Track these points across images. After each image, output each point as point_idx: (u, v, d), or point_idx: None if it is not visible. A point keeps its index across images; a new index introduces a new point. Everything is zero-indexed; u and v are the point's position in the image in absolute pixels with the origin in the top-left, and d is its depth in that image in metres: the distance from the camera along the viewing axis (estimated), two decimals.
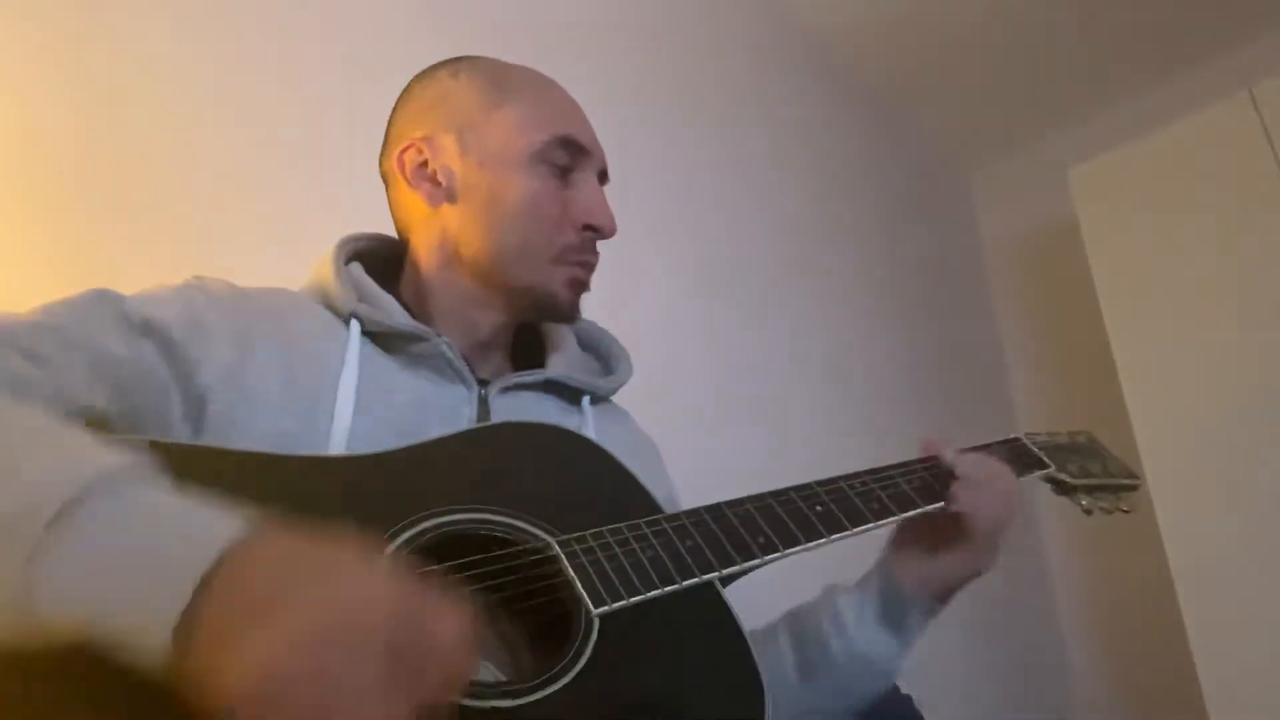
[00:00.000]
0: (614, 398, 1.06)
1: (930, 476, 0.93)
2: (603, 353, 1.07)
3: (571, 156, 0.93)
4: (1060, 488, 1.00)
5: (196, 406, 0.75)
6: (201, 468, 0.61)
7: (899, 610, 0.90)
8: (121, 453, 0.54)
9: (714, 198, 2.30)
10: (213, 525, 0.51)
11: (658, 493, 0.85)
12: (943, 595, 0.91)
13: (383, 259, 0.98)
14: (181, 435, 0.74)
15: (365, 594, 0.48)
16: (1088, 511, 0.99)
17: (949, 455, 0.93)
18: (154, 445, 0.65)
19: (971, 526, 0.89)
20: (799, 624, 0.94)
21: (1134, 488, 1.03)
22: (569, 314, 0.95)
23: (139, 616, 0.47)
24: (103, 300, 0.75)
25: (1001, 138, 3.31)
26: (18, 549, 0.48)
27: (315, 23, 1.58)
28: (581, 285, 0.94)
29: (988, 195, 3.46)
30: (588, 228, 0.92)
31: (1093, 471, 1.01)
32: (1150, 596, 2.30)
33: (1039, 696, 2.67)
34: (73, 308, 0.73)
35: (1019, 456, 0.99)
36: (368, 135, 1.32)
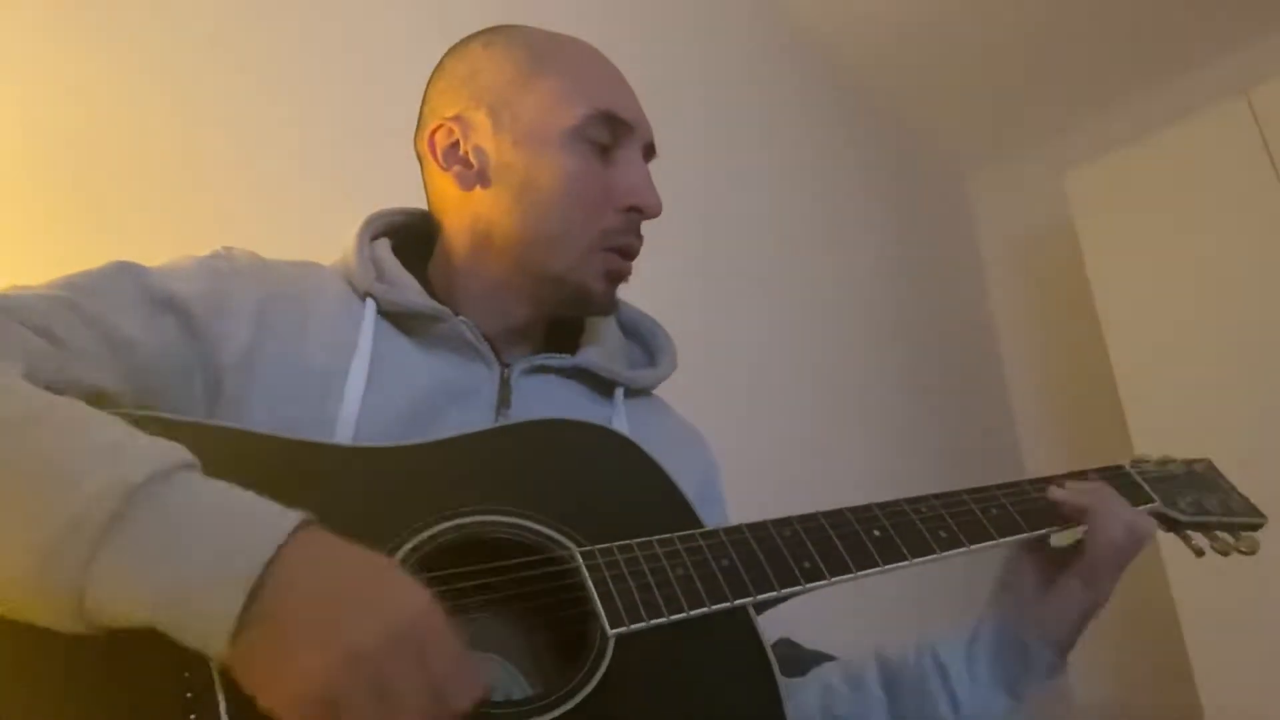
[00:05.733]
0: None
1: (1011, 505, 0.83)
2: (648, 344, 1.00)
3: (613, 133, 0.86)
4: (1169, 525, 0.88)
5: (214, 386, 0.73)
6: (217, 449, 0.60)
7: (1015, 664, 0.82)
8: (167, 444, 0.57)
9: (708, 199, 2.27)
10: (266, 522, 0.54)
11: (688, 485, 0.80)
12: (1064, 639, 0.82)
13: (418, 235, 0.94)
14: (198, 414, 0.73)
15: (409, 614, 0.53)
16: (1198, 552, 0.87)
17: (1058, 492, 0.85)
18: (172, 424, 0.65)
19: (1094, 555, 0.80)
20: (894, 671, 0.86)
21: (1257, 526, 0.90)
22: (603, 307, 0.89)
23: (198, 612, 0.51)
24: (124, 273, 0.74)
25: (998, 142, 3.31)
26: (77, 549, 0.50)
27: (317, 18, 1.57)
28: (618, 276, 0.88)
29: (984, 199, 3.46)
30: (631, 209, 0.86)
31: (1208, 508, 0.88)
32: (1148, 599, 2.27)
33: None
34: (93, 281, 0.72)
35: (1121, 490, 0.87)
36: (370, 131, 1.30)
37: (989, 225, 3.41)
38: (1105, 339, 2.49)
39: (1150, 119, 2.73)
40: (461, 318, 0.84)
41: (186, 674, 0.54)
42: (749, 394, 2.14)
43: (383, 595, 0.54)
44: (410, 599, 0.54)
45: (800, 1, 2.69)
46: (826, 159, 2.77)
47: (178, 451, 0.56)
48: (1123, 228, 2.55)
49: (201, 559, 0.52)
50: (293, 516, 0.54)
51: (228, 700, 0.53)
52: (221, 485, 0.56)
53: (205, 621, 0.51)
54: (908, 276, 2.94)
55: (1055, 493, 0.85)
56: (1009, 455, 3.00)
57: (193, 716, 0.53)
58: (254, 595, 0.51)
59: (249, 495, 0.56)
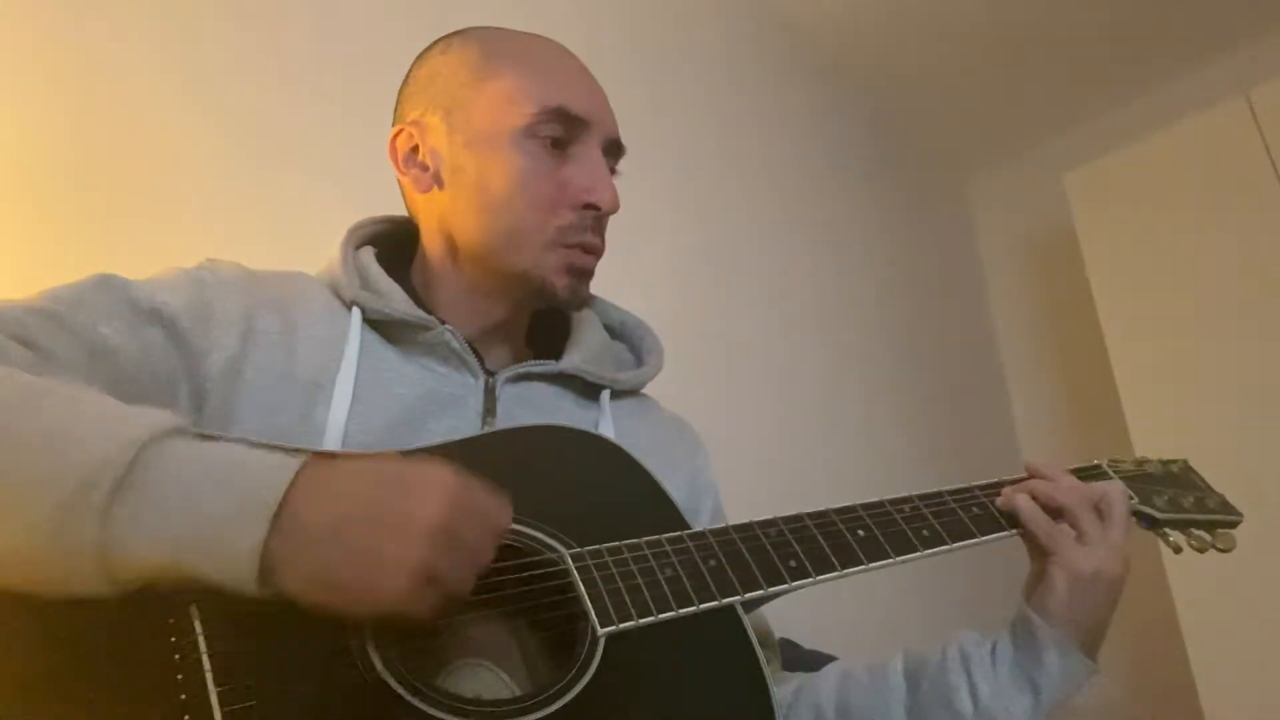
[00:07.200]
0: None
1: (991, 504, 0.86)
2: (635, 344, 1.01)
3: (567, 129, 0.85)
4: (1146, 523, 0.91)
5: (200, 396, 0.75)
6: None
7: (1030, 658, 0.80)
8: (165, 411, 0.60)
9: (708, 201, 2.27)
10: (276, 460, 0.58)
11: (679, 481, 0.81)
12: (1071, 631, 0.80)
13: (402, 243, 0.94)
14: None
15: (451, 483, 0.59)
16: (1176, 549, 0.89)
17: (1041, 484, 0.85)
18: None
19: (1052, 572, 0.81)
20: (918, 660, 0.86)
21: (1233, 524, 0.92)
22: (569, 301, 0.88)
23: (226, 546, 0.54)
24: (107, 286, 0.74)
25: (998, 143, 3.32)
26: (91, 506, 0.53)
27: (312, 19, 1.59)
28: (581, 271, 0.87)
29: (985, 201, 3.47)
30: (587, 206, 0.85)
31: (1185, 506, 0.90)
32: (1148, 601, 2.23)
33: None
34: (76, 293, 0.73)
35: None
36: (368, 131, 1.33)
37: (989, 225, 3.41)
38: (1105, 339, 2.49)
39: (1150, 119, 2.74)
40: (447, 326, 0.84)
41: (174, 638, 0.57)
42: (749, 395, 2.15)
43: (421, 477, 0.60)
44: (438, 470, 0.60)
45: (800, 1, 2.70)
46: (827, 159, 2.78)
47: (176, 417, 0.59)
48: (1123, 228, 2.55)
49: (219, 497, 0.55)
50: (290, 461, 0.58)
51: (213, 663, 0.56)
52: (223, 442, 0.60)
53: (233, 555, 0.54)
54: (908, 277, 2.94)
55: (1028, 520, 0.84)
56: (1009, 454, 3.00)
57: (182, 695, 0.55)
58: (276, 525, 0.54)
59: (250, 445, 0.60)
